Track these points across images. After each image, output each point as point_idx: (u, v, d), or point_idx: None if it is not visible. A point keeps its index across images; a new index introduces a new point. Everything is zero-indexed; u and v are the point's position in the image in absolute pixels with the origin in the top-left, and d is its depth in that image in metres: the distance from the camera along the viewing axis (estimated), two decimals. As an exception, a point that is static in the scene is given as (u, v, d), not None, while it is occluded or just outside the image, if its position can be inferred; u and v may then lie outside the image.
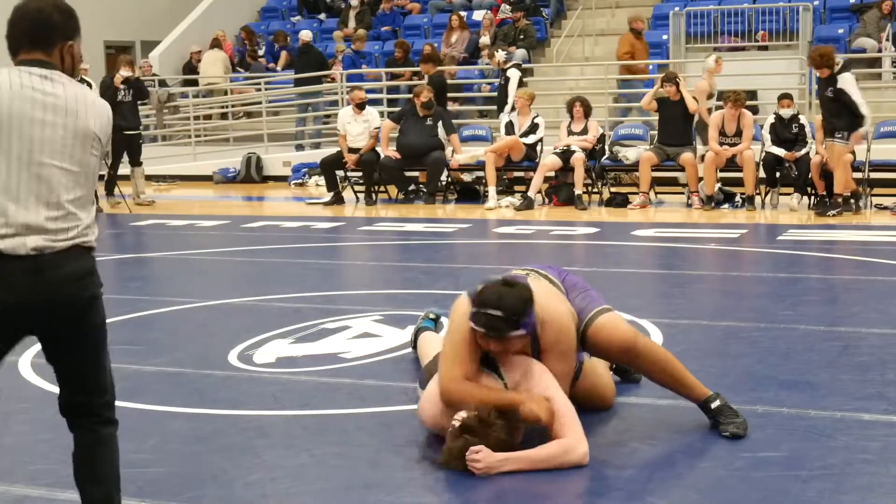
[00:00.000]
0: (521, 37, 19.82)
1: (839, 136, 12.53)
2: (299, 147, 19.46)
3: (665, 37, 19.34)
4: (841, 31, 18.74)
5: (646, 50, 18.71)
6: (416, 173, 15.41)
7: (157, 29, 24.32)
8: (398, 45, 19.04)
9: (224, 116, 21.54)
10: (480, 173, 15.04)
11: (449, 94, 18.23)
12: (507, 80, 15.46)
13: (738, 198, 13.60)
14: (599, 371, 5.17)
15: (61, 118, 3.34)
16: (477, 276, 9.19)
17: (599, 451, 4.59)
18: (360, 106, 15.18)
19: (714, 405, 4.77)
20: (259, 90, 20.34)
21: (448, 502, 4.16)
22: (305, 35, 20.06)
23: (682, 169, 13.72)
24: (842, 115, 12.49)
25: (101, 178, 15.29)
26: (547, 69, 19.99)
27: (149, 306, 8.04)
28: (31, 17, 3.40)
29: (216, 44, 21.97)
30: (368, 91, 17.89)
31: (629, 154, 14.20)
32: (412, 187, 15.37)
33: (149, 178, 17.01)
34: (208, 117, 21.63)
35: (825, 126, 12.78)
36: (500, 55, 15.88)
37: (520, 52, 19.44)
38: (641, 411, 5.12)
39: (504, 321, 4.43)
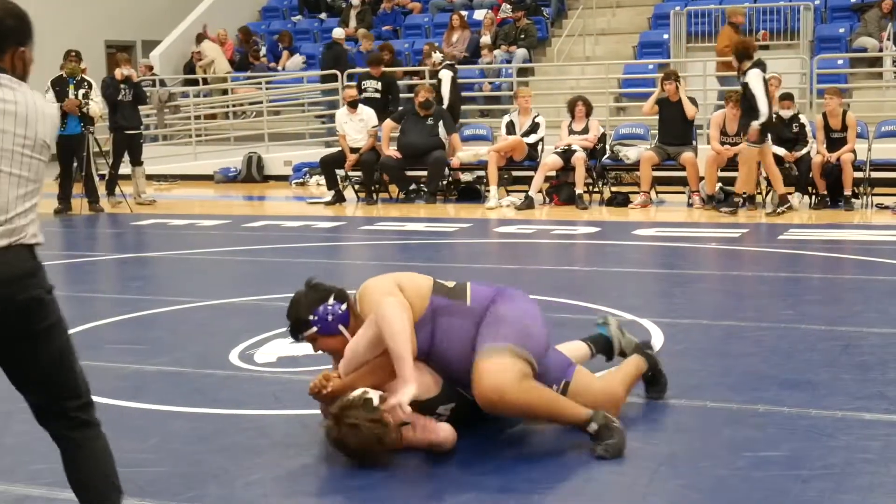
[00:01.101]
0: (522, 36, 19.83)
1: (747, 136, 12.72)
2: None
3: (665, 36, 19.33)
4: (842, 30, 18.74)
5: None
6: (417, 173, 15.41)
7: (158, 28, 24.33)
8: (382, 48, 18.99)
9: (225, 116, 21.56)
10: (481, 173, 15.04)
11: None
12: (439, 81, 15.65)
13: (738, 197, 13.58)
14: (594, 387, 4.87)
15: (10, 126, 3.28)
16: (478, 275, 9.22)
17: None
18: (353, 105, 15.20)
19: (591, 428, 4.51)
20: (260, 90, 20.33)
21: (449, 500, 4.16)
22: (337, 33, 20.04)
23: (684, 168, 13.71)
24: (749, 114, 12.59)
25: (101, 177, 15.31)
26: (548, 69, 20.00)
27: (150, 306, 8.04)
28: None
29: (202, 38, 22.04)
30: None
31: (630, 153, 14.20)
32: (413, 187, 15.37)
33: (150, 177, 17.01)
34: (210, 117, 21.62)
35: (739, 123, 12.97)
36: (437, 56, 16.08)
37: (520, 52, 19.47)
38: (642, 410, 5.12)
39: (292, 326, 4.81)
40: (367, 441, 4.36)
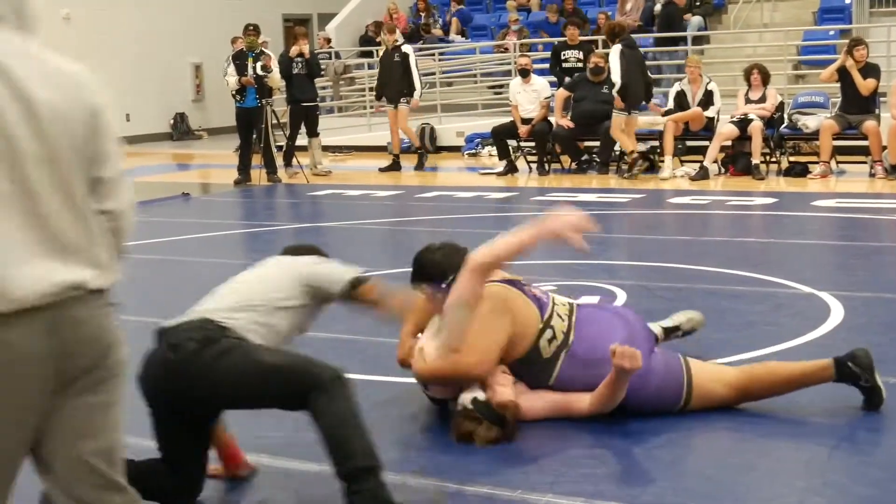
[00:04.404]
0: (698, 3, 19.47)
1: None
2: None
3: (847, 1, 18.73)
4: None
5: None
6: (589, 143, 15.29)
7: (334, 1, 24.68)
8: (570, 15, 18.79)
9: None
10: (654, 143, 14.85)
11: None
12: (404, 56, 15.79)
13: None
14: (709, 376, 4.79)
15: None
16: (651, 247, 9.15)
17: (781, 426, 4.52)
18: (524, 73, 15.15)
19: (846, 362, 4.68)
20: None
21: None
22: None
23: (866, 137, 13.29)
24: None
25: (279, 148, 15.66)
26: (724, 36, 19.60)
27: (326, 275, 8.18)
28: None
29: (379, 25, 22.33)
30: (540, 61, 17.84)
31: (809, 122, 13.83)
32: (585, 157, 15.27)
33: (325, 148, 17.31)
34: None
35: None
36: (398, 35, 16.11)
37: (696, 20, 19.12)
38: (821, 387, 5.00)
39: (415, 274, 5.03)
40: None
